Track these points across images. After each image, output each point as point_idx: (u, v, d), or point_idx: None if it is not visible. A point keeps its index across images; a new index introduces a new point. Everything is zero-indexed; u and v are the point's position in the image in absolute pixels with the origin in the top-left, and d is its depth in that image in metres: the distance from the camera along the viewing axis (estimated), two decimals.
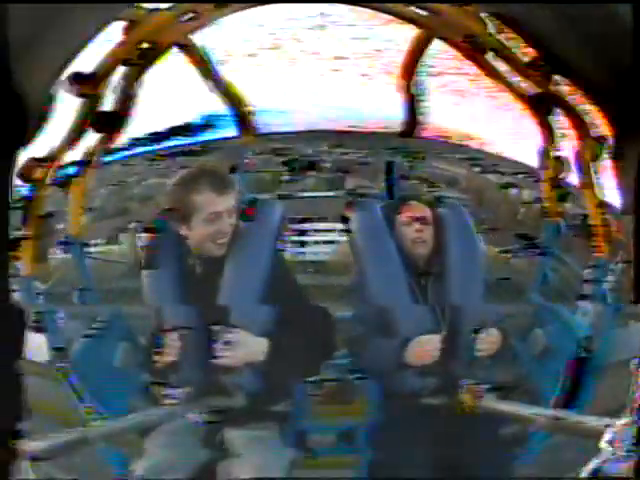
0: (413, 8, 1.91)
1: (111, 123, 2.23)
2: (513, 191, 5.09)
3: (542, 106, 2.03)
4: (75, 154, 2.41)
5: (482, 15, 1.80)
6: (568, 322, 2.52)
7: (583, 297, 2.61)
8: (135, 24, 1.83)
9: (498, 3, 1.08)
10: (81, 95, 2.01)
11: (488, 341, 1.91)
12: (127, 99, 2.17)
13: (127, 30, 1.88)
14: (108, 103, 2.17)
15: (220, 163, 1.90)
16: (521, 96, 2.07)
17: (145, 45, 2.00)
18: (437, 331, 1.90)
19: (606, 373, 2.33)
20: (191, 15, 1.93)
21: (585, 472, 0.94)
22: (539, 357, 2.53)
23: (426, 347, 1.86)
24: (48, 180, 2.40)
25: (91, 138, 2.35)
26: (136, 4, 1.80)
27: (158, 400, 1.80)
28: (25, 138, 0.90)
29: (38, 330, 2.34)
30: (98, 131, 2.25)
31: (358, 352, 2.08)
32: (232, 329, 1.69)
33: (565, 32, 0.88)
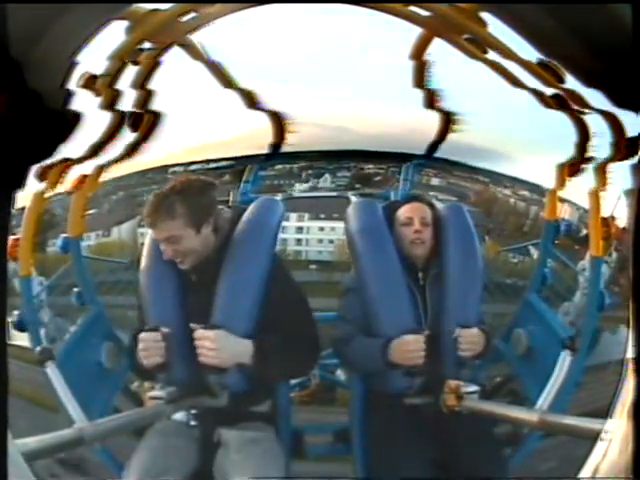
0: (413, 8, 1.91)
1: (127, 124, 2.24)
2: (521, 205, 5.17)
3: (560, 106, 2.02)
4: (86, 156, 2.42)
5: (482, 15, 1.80)
6: (549, 322, 2.53)
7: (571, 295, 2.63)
8: (135, 24, 1.83)
9: (498, 3, 1.07)
10: (95, 95, 2.01)
11: (471, 341, 1.91)
12: (140, 100, 2.17)
13: (127, 30, 1.88)
14: (124, 104, 2.18)
15: (173, 187, 1.80)
16: (539, 96, 2.06)
17: (146, 45, 2.01)
18: (423, 331, 1.90)
19: (593, 373, 2.35)
20: (192, 15, 1.93)
21: (583, 472, 0.94)
22: (522, 357, 2.55)
23: (409, 347, 1.86)
24: (54, 181, 2.42)
25: (102, 140, 2.36)
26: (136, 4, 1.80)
27: (143, 400, 1.80)
28: (47, 141, 0.90)
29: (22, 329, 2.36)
30: (114, 132, 2.26)
31: (344, 352, 2.08)
32: (213, 329, 1.69)
33: (564, 32, 0.88)
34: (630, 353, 0.88)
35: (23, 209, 2.37)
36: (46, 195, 2.44)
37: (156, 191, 1.80)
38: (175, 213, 1.74)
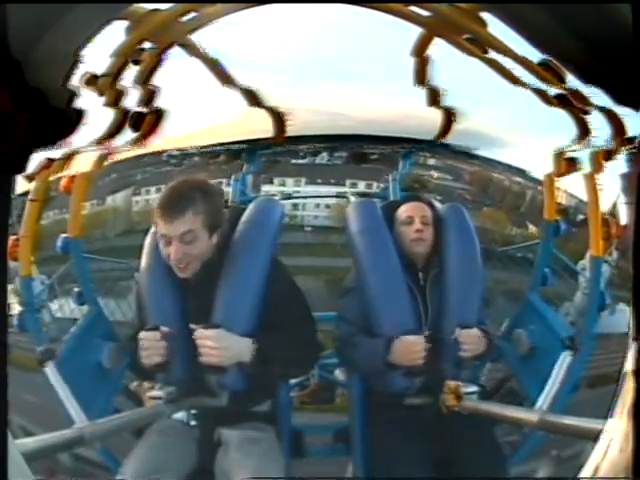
0: (413, 8, 1.91)
1: (128, 123, 2.23)
2: (516, 188, 5.20)
3: (563, 105, 2.02)
4: (84, 154, 2.42)
5: (482, 15, 1.80)
6: (550, 322, 2.53)
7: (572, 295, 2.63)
8: (135, 24, 1.83)
9: (498, 3, 1.07)
10: (97, 94, 2.01)
11: (471, 342, 1.92)
12: (141, 99, 2.17)
13: (127, 30, 1.88)
14: (126, 103, 2.17)
15: (193, 181, 1.76)
16: (541, 94, 2.06)
17: (146, 45, 2.01)
18: (424, 331, 1.90)
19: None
20: (192, 15, 1.93)
21: (583, 472, 0.94)
22: (523, 357, 2.54)
23: (410, 348, 1.86)
24: (53, 180, 2.42)
25: (104, 138, 2.36)
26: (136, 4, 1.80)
27: (143, 400, 1.80)
28: (48, 136, 0.90)
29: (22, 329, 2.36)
30: (116, 130, 2.26)
31: (345, 352, 2.08)
32: (214, 328, 1.69)
33: (563, 32, 0.88)
34: (630, 352, 0.88)
35: (24, 194, 2.37)
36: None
37: (172, 184, 1.72)
38: (197, 208, 1.66)
